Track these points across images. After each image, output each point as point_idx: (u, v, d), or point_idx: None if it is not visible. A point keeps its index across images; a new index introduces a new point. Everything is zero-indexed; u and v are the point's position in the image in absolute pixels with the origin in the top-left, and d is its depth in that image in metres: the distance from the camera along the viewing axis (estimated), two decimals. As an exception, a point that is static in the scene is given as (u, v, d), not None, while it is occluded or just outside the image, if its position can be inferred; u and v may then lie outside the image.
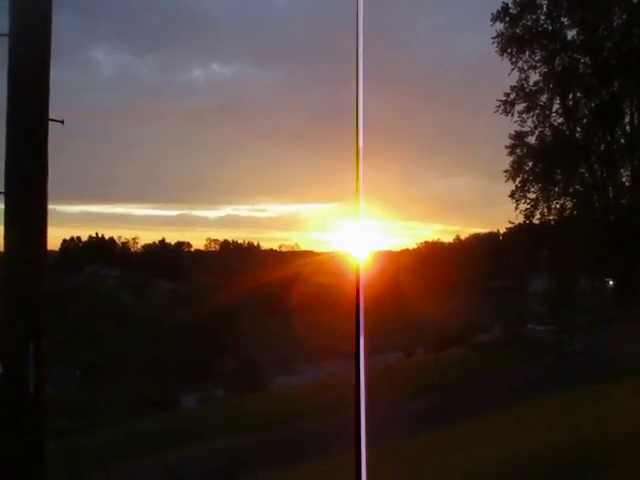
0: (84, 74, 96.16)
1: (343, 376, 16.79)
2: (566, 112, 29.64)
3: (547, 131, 29.64)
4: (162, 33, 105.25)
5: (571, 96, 29.90)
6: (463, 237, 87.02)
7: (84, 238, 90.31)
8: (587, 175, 30.24)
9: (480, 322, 36.52)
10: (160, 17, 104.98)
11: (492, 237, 71.10)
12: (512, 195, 29.27)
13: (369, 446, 2.09)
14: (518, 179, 29.25)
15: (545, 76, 29.14)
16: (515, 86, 28.85)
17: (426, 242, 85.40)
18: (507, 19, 28.60)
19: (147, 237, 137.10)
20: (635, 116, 29.38)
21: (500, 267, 60.14)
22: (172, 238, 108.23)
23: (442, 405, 13.02)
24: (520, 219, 29.54)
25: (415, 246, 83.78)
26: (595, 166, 30.30)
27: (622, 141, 30.30)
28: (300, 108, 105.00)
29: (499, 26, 28.59)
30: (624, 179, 30.54)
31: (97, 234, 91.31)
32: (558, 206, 30.05)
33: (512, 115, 28.88)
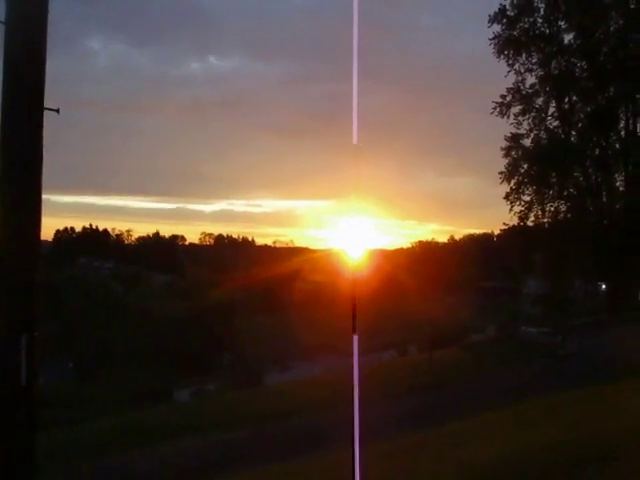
0: (80, 64, 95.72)
1: (337, 373, 16.84)
2: (562, 115, 29.72)
3: (542, 134, 29.70)
4: (160, 24, 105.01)
5: (567, 100, 29.97)
6: (457, 237, 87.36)
7: (78, 229, 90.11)
8: (581, 179, 30.34)
9: (474, 322, 36.65)
10: (158, 8, 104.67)
11: (486, 238, 71.41)
12: (507, 197, 29.33)
13: (362, 442, 2.09)
14: (513, 181, 29.31)
15: (541, 79, 29.19)
16: (511, 88, 28.90)
17: (420, 241, 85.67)
18: (504, 21, 28.63)
19: (141, 230, 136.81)
20: (630, 121, 29.49)
21: (494, 268, 60.35)
22: (167, 231, 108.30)
23: (434, 404, 13.06)
24: (514, 221, 29.63)
25: (409, 245, 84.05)
26: (590, 170, 30.40)
27: (617, 146, 30.42)
28: (298, 103, 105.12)
29: (496, 28, 28.64)
30: (618, 184, 30.67)
31: (91, 225, 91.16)
32: (552, 209, 30.13)
33: (508, 117, 28.94)
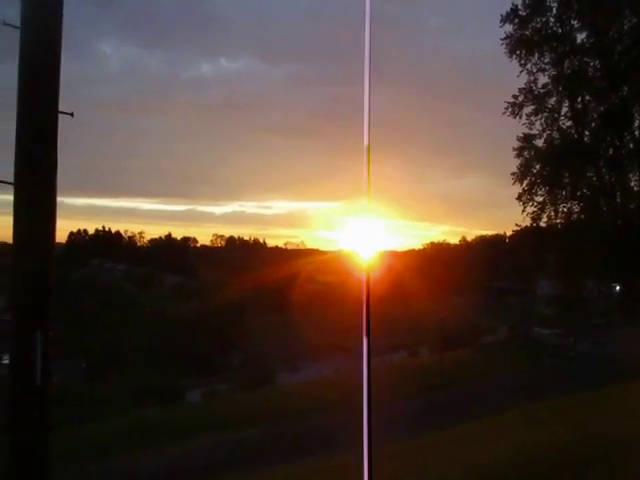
0: (92, 67, 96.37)
1: (347, 374, 16.83)
2: (575, 115, 29.48)
3: (555, 134, 29.47)
4: (170, 27, 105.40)
5: (580, 99, 29.73)
6: (469, 239, 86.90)
7: (90, 231, 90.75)
8: (595, 179, 30.08)
9: (485, 324, 36.47)
10: (168, 11, 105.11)
11: (498, 239, 70.98)
12: (519, 198, 29.15)
13: (374, 443, 2.09)
14: (525, 182, 29.12)
15: (554, 79, 28.98)
16: (524, 88, 28.72)
17: (432, 243, 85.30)
18: (516, 21, 28.46)
19: (153, 231, 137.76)
20: (644, 120, 29.21)
21: (506, 269, 59.99)
22: (178, 233, 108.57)
23: (444, 405, 13.02)
24: (527, 222, 29.43)
25: (421, 246, 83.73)
26: (603, 170, 30.13)
27: (631, 146, 30.12)
28: (308, 105, 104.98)
29: (508, 28, 28.48)
30: (632, 184, 30.37)
31: (104, 227, 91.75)
32: (565, 210, 29.90)
33: (520, 117, 28.77)
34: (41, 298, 3.08)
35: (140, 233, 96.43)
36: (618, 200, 30.26)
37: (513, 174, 29.11)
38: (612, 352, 17.16)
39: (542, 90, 28.90)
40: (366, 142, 2.44)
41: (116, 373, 34.27)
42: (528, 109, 28.76)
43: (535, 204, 29.13)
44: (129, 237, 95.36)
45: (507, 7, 28.29)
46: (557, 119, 29.27)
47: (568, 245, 30.03)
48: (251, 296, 51.92)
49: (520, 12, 28.46)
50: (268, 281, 51.07)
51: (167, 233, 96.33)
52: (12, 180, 3.10)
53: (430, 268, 57.79)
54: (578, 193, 30.13)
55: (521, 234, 31.85)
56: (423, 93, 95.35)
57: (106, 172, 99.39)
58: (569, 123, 29.62)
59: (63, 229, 75.21)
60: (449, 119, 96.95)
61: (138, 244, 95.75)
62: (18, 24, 3.12)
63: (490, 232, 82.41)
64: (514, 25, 28.48)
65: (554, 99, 29.16)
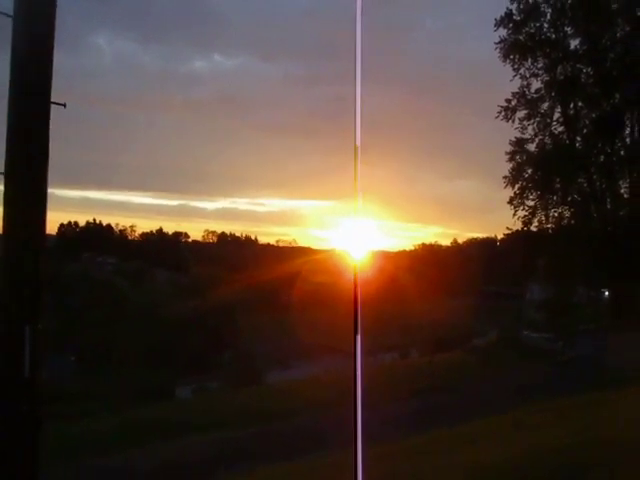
0: (86, 59, 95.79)
1: (338, 373, 16.83)
2: (567, 121, 29.68)
3: (547, 139, 29.67)
4: (166, 23, 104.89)
5: (572, 105, 29.93)
6: (461, 241, 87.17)
7: (81, 223, 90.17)
8: (586, 185, 30.28)
9: (476, 326, 36.60)
10: (164, 6, 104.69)
11: (489, 242, 71.27)
12: (510, 201, 29.31)
13: (364, 443, 2.08)
14: (517, 186, 29.29)
15: (547, 84, 29.16)
16: (517, 93, 28.89)
17: (423, 244, 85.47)
18: (510, 25, 28.62)
19: (145, 225, 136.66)
20: (636, 128, 29.42)
21: (497, 273, 60.26)
22: (170, 228, 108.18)
23: (434, 407, 13.04)
24: (518, 226, 29.59)
25: (412, 248, 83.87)
26: (594, 176, 30.34)
27: (622, 152, 30.35)
28: (303, 103, 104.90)
29: (502, 32, 28.62)
30: (623, 191, 30.61)
31: (95, 220, 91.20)
32: (556, 215, 30.10)
33: (513, 121, 28.92)
34: (30, 290, 3.03)
35: (131, 227, 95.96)
36: (608, 206, 30.47)
37: (505, 178, 29.27)
38: (601, 357, 17.28)
39: (535, 95, 29.08)
40: (357, 142, 2.43)
41: (106, 368, 34.10)
42: (521, 114, 28.95)
43: (526, 208, 29.31)
44: (120, 230, 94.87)
45: (502, 11, 28.47)
46: (549, 124, 29.46)
47: (558, 250, 30.21)
48: (243, 293, 51.85)
49: (514, 17, 28.62)
50: (259, 279, 51.01)
51: (158, 227, 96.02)
52: (2, 170, 3.06)
53: (421, 269, 57.93)
54: (569, 198, 30.32)
55: (512, 238, 32.02)
56: (417, 95, 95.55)
57: (98, 165, 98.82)
58: (561, 128, 29.83)
59: (54, 221, 74.84)
60: (443, 121, 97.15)
61: (129, 238, 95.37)
62: (11, 12, 3.08)
63: (481, 235, 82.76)
64: (508, 30, 28.65)
65: (546, 104, 29.36)
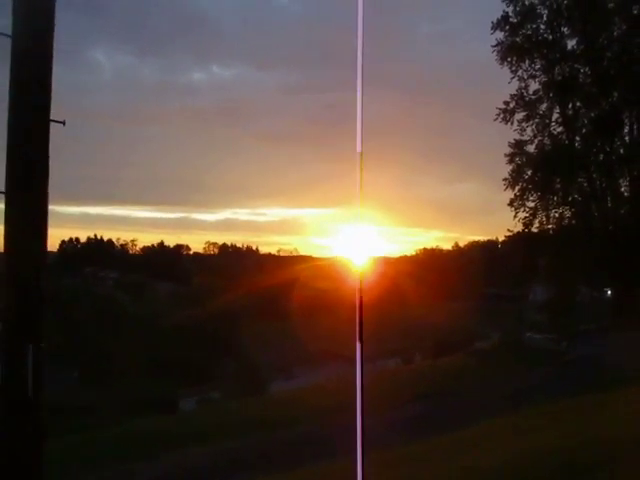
0: (85, 75, 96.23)
1: (341, 380, 16.80)
2: (565, 121, 29.73)
3: (546, 140, 29.71)
4: (163, 35, 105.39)
5: (570, 106, 29.99)
6: (462, 244, 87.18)
7: (82, 239, 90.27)
8: (586, 185, 30.30)
9: (478, 329, 36.53)
10: (161, 19, 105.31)
11: (490, 245, 71.23)
12: (511, 203, 29.33)
13: (366, 450, 2.08)
14: (517, 187, 29.31)
15: (545, 85, 29.23)
16: (515, 94, 28.95)
17: (425, 249, 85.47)
18: (507, 28, 28.72)
19: (146, 239, 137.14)
20: (634, 127, 29.48)
21: (498, 275, 60.19)
22: (171, 241, 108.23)
23: (437, 412, 13.01)
24: (519, 227, 29.58)
25: (414, 253, 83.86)
26: (594, 176, 30.36)
27: (621, 151, 30.39)
28: (301, 111, 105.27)
29: (499, 34, 28.73)
30: (623, 189, 30.63)
31: (96, 235, 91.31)
32: (557, 215, 30.11)
33: (512, 123, 28.98)
34: (32, 308, 3.05)
35: (132, 241, 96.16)
36: (609, 205, 30.47)
37: (505, 180, 29.30)
38: (605, 357, 17.22)
39: (533, 96, 29.16)
40: (359, 149, 2.45)
41: (110, 382, 34.02)
42: (519, 115, 29.02)
43: (527, 210, 29.33)
44: (121, 245, 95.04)
45: (498, 14, 28.59)
46: (548, 125, 29.52)
47: (560, 250, 30.19)
48: (245, 303, 51.80)
49: (511, 19, 28.73)
50: (261, 288, 50.99)
51: (159, 241, 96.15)
52: (3, 189, 3.08)
53: (422, 274, 57.89)
54: (569, 198, 30.33)
55: (513, 240, 31.99)
56: (415, 99, 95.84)
57: (98, 180, 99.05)
58: (560, 129, 29.89)
59: (55, 237, 74.89)
60: (442, 125, 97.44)
61: (130, 252, 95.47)
62: (9, 32, 3.12)
63: (483, 238, 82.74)
64: (505, 32, 28.75)
65: (545, 105, 29.44)
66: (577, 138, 30.46)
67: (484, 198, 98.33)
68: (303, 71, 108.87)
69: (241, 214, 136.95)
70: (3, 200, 3.03)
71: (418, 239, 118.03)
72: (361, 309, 2.46)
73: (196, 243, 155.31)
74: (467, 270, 63.18)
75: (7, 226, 3.00)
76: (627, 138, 29.89)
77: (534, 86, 29.17)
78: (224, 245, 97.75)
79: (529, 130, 29.13)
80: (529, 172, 29.51)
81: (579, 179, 30.22)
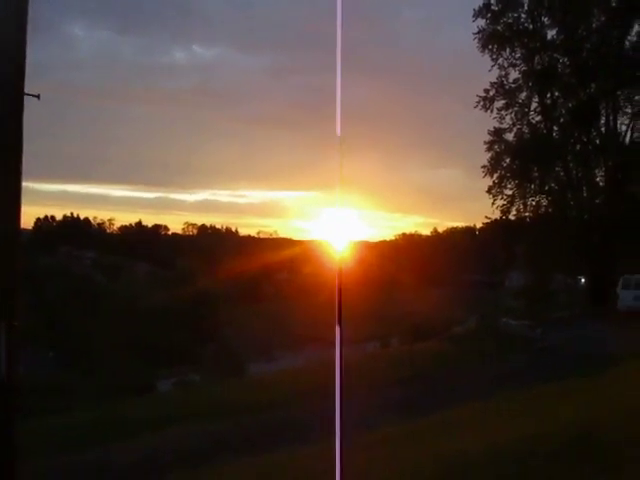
0: (63, 50, 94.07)
1: (321, 363, 16.88)
2: (544, 111, 30.01)
3: (525, 129, 30.00)
4: (145, 12, 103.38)
5: (549, 95, 30.26)
6: (441, 230, 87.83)
7: (58, 217, 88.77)
8: (562, 174, 30.71)
9: (455, 315, 36.98)
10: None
11: (469, 231, 71.99)
12: (489, 190, 29.64)
13: (344, 433, 2.10)
14: (495, 175, 29.61)
15: (524, 74, 29.43)
16: (495, 83, 29.12)
17: (404, 234, 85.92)
18: (489, 15, 28.78)
19: (123, 219, 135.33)
20: (610, 117, 29.88)
21: (476, 261, 60.93)
22: (149, 221, 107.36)
23: (414, 396, 13.19)
24: (497, 215, 29.93)
25: (393, 237, 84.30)
26: (570, 165, 30.77)
27: (597, 142, 30.81)
28: (283, 95, 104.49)
29: (481, 22, 28.77)
30: (598, 179, 31.11)
31: (72, 214, 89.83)
32: (534, 203, 30.51)
33: (491, 111, 29.17)
34: (5, 286, 2.98)
35: (110, 220, 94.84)
36: (585, 194, 30.94)
37: (484, 167, 29.55)
38: (579, 343, 17.61)
39: (513, 85, 29.36)
40: (339, 133, 2.43)
41: (86, 363, 33.74)
42: (499, 103, 29.24)
43: (504, 197, 29.67)
44: (98, 224, 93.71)
45: (480, 1, 28.61)
46: (527, 114, 29.78)
47: (536, 238, 30.65)
48: (224, 285, 51.65)
49: (493, 7, 28.79)
50: (241, 270, 50.87)
51: (138, 220, 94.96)
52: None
53: (401, 259, 58.36)
54: (546, 187, 30.74)
55: (491, 227, 32.37)
56: (397, 85, 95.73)
57: (76, 158, 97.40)
58: (538, 118, 30.19)
59: (29, 215, 73.64)
60: (424, 111, 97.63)
61: (108, 231, 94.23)
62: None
63: (462, 224, 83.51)
64: (487, 20, 28.81)
65: (524, 94, 29.68)
66: (555, 127, 30.80)
67: (464, 185, 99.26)
68: (286, 54, 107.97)
69: (221, 195, 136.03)
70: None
71: (398, 224, 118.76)
72: (340, 293, 2.46)
73: (175, 223, 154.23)
74: (446, 256, 63.80)
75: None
76: (603, 129, 30.30)
77: (514, 75, 29.39)
78: (203, 226, 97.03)
79: (508, 118, 29.41)
80: (507, 160, 29.80)
81: (556, 168, 30.61)
